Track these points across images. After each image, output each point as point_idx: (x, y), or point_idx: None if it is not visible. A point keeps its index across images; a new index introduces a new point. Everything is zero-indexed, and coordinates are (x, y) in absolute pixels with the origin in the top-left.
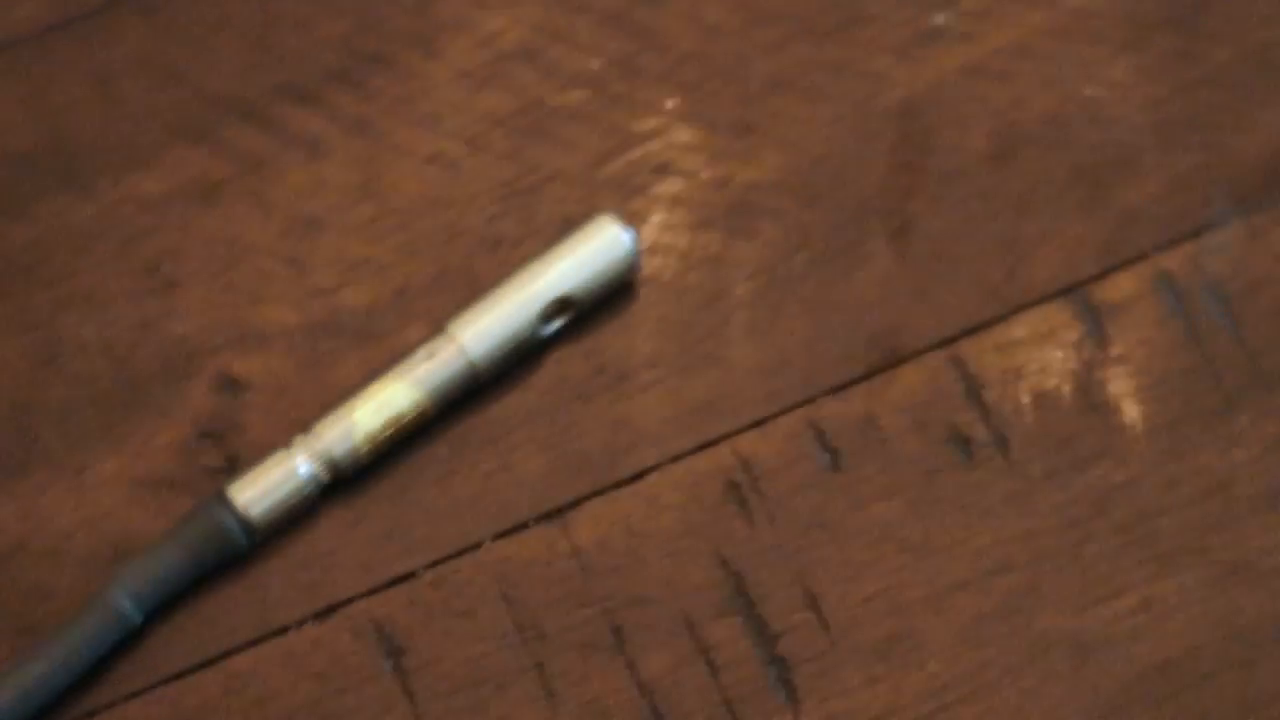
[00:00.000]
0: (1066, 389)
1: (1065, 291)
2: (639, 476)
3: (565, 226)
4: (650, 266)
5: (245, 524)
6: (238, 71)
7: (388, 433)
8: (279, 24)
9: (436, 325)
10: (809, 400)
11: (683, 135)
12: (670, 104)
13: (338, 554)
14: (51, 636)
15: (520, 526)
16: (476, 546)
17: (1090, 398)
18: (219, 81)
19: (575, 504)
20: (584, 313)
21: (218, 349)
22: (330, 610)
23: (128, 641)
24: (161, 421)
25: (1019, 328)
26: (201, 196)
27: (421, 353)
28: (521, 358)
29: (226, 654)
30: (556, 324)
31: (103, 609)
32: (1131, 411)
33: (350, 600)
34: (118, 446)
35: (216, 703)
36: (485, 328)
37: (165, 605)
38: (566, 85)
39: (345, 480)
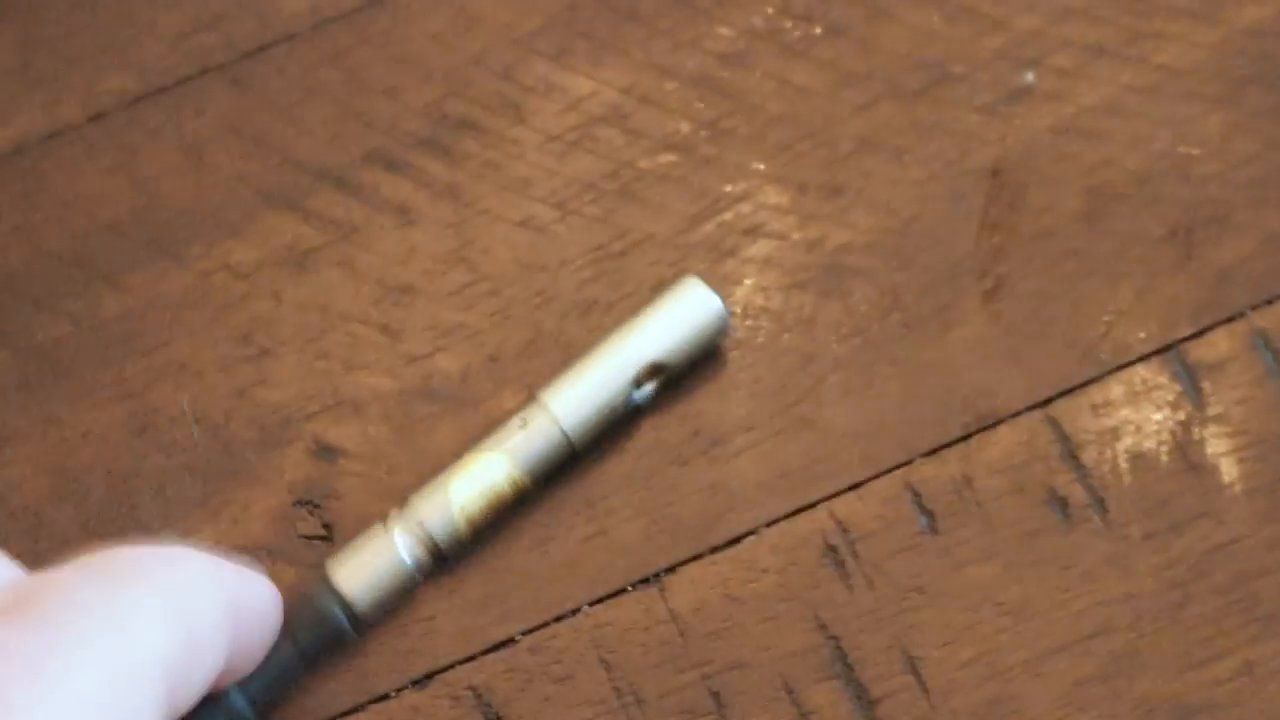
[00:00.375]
0: (1164, 449)
1: (1161, 351)
2: (736, 541)
3: (657, 290)
4: (743, 329)
5: (354, 618)
6: (327, 139)
7: (488, 514)
8: (367, 91)
9: (530, 391)
10: (905, 463)
11: (773, 197)
12: (760, 166)
13: (436, 621)
14: None
15: (618, 592)
16: (574, 612)
17: (1188, 458)
18: (308, 149)
19: (672, 569)
20: (675, 377)
21: (312, 416)
22: (429, 677)
23: None
24: (258, 490)
25: (1115, 388)
26: (293, 264)
27: (515, 422)
28: (614, 424)
29: None
30: (649, 389)
31: (223, 711)
32: (1230, 471)
33: (449, 667)
34: (215, 515)
35: None
36: (577, 397)
37: (277, 700)
38: (656, 149)
39: (445, 561)
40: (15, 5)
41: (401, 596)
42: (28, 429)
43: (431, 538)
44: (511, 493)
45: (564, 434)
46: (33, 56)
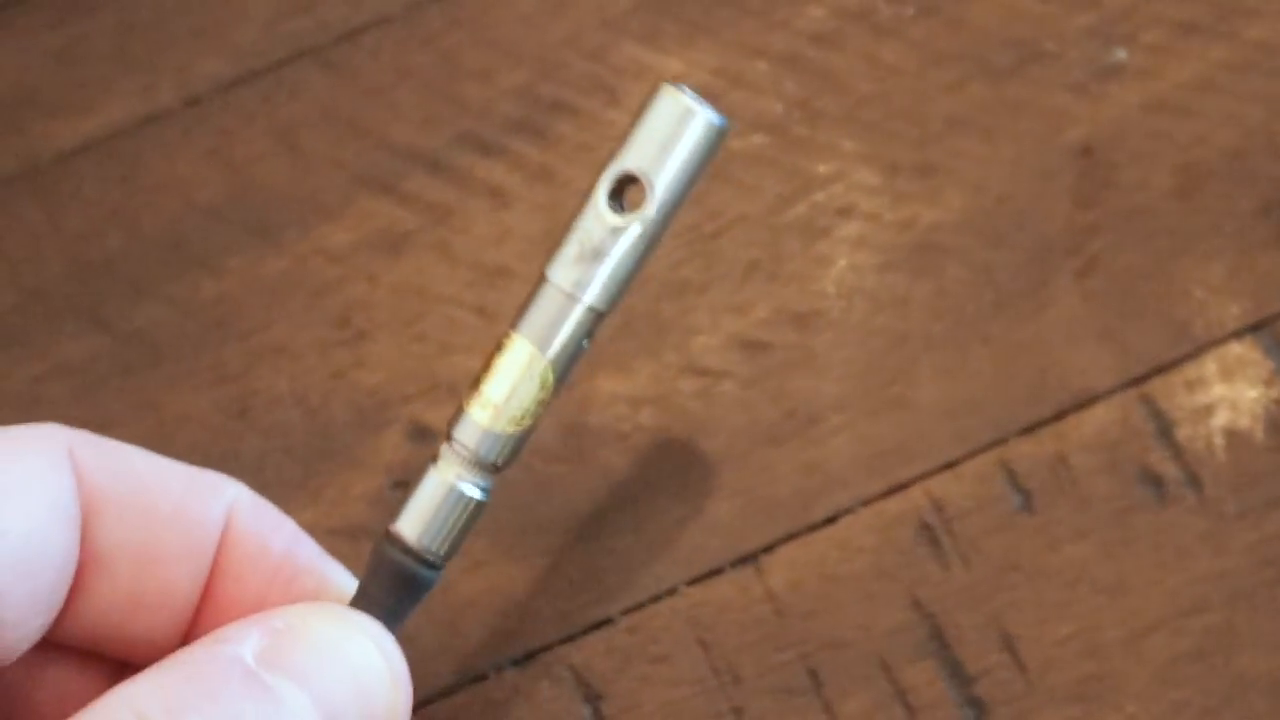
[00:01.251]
0: (1259, 426)
1: (1255, 327)
2: (831, 520)
3: (750, 270)
4: (837, 309)
5: (426, 561)
6: (420, 122)
7: (527, 402)
8: (459, 75)
9: (624, 371)
10: (999, 441)
11: (864, 177)
12: (851, 146)
13: (534, 601)
14: None
15: (714, 572)
16: (672, 592)
17: None
18: (401, 133)
19: (769, 548)
20: (671, 199)
21: (409, 399)
22: (528, 657)
23: None
24: (355, 472)
25: (1209, 365)
26: (388, 247)
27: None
28: (622, 266)
29: (427, 701)
30: (642, 214)
31: None
32: None
33: (548, 647)
34: (313, 497)
35: None
36: (563, 246)
37: None
38: (747, 129)
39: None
40: None
41: (471, 523)
42: (126, 413)
43: (479, 455)
44: (541, 374)
45: (566, 291)
46: (127, 42)
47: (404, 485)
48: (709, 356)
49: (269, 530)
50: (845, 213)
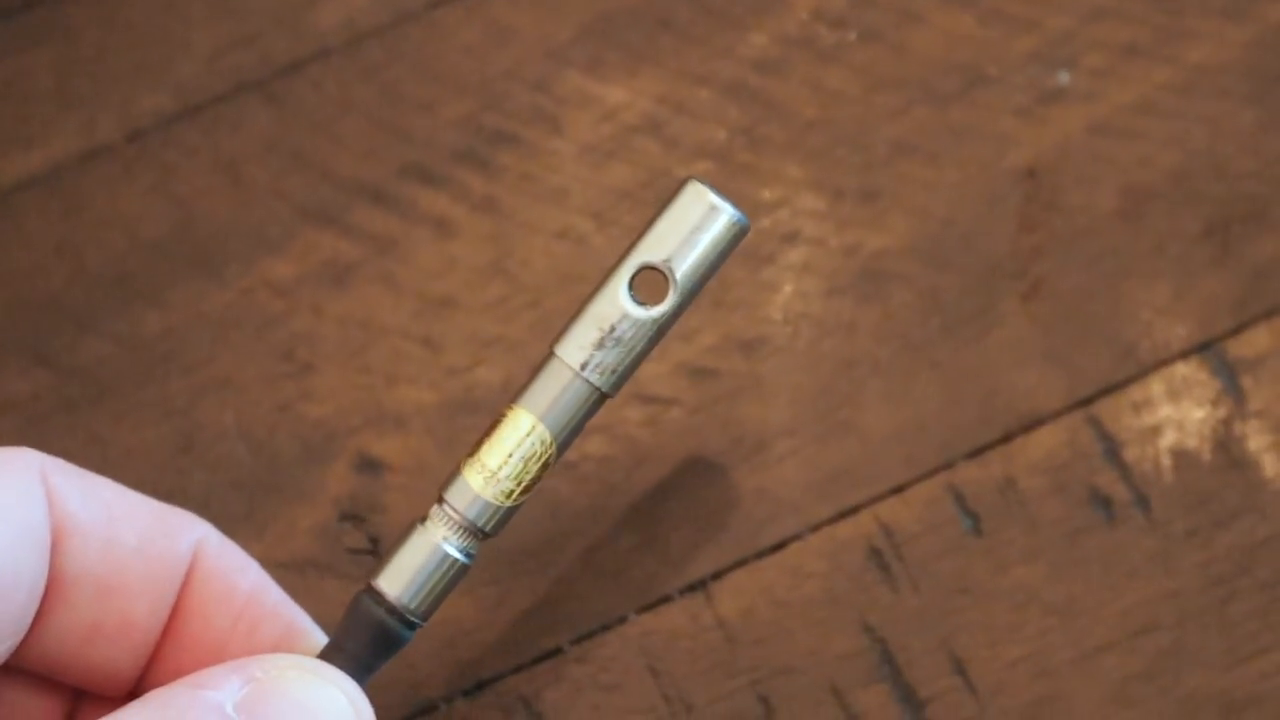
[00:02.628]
0: (1206, 446)
1: (1200, 348)
2: (781, 546)
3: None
4: (783, 335)
5: (404, 619)
6: (363, 154)
7: (522, 478)
8: (402, 106)
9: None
10: (947, 465)
11: (810, 203)
12: (796, 172)
13: (483, 632)
14: None
15: (664, 599)
16: (621, 620)
17: (1230, 454)
18: (345, 165)
19: (718, 575)
20: (689, 291)
21: (356, 430)
22: (479, 688)
23: None
24: (303, 505)
25: (1155, 386)
26: (333, 279)
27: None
28: (635, 352)
29: None
30: (663, 307)
31: None
32: (1273, 466)
33: (498, 678)
34: (260, 531)
35: None
36: (575, 326)
37: None
38: (691, 156)
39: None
40: (51, 27)
41: (452, 586)
42: (72, 449)
43: (468, 519)
44: (541, 449)
45: (568, 367)
46: (69, 77)
47: (352, 518)
48: (657, 384)
49: (235, 571)
50: (791, 239)
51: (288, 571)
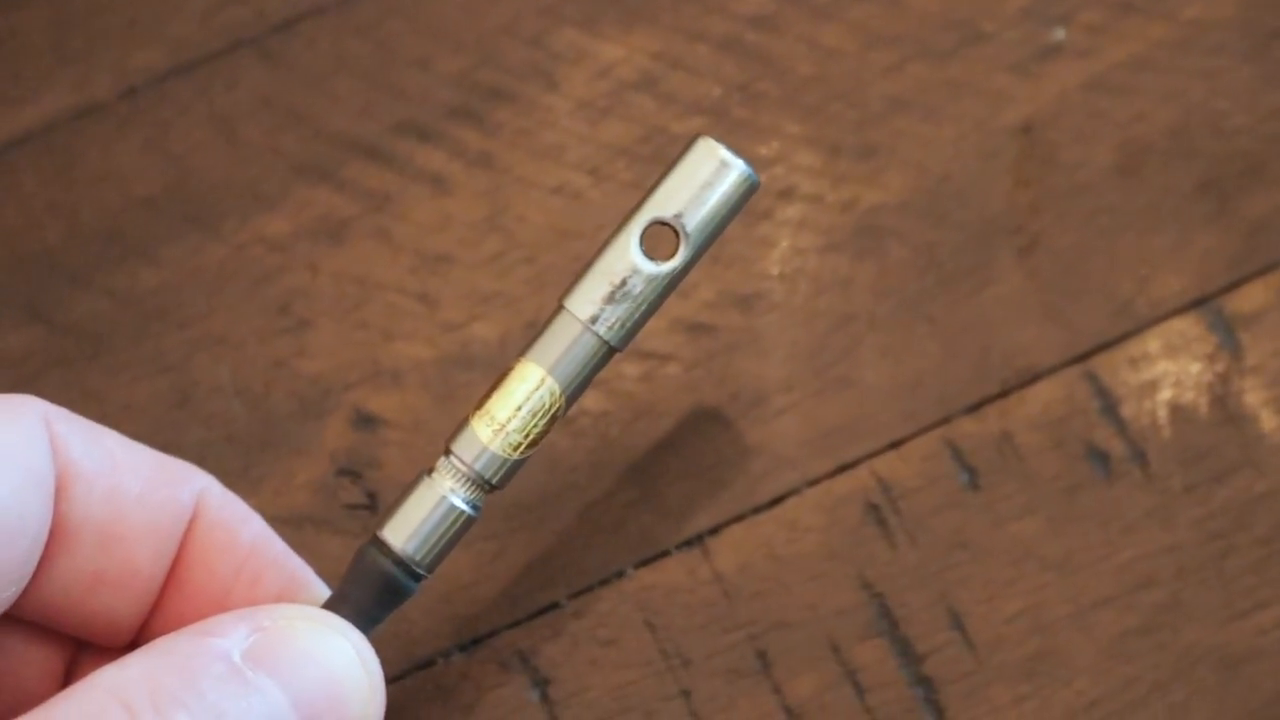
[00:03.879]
0: (1203, 401)
1: (1197, 304)
2: (778, 501)
3: None
4: (780, 291)
5: (410, 570)
6: (358, 110)
7: (530, 431)
8: (397, 62)
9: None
10: (944, 420)
11: (806, 159)
12: (792, 128)
13: (481, 587)
14: None
15: (661, 554)
16: (619, 575)
17: (1227, 409)
18: (340, 121)
19: (715, 530)
20: (700, 246)
21: (352, 386)
22: (476, 643)
23: None
24: (299, 460)
25: (1152, 341)
26: (329, 235)
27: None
28: (645, 307)
29: None
30: (674, 262)
31: None
32: (1269, 421)
33: (495, 632)
34: (256, 486)
35: None
36: (585, 280)
37: None
38: (687, 112)
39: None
40: None
41: (458, 538)
42: (67, 405)
43: (475, 470)
44: (550, 402)
45: (584, 324)
46: (63, 34)
47: (349, 473)
48: (653, 340)
49: (238, 521)
50: (787, 195)
51: (284, 527)
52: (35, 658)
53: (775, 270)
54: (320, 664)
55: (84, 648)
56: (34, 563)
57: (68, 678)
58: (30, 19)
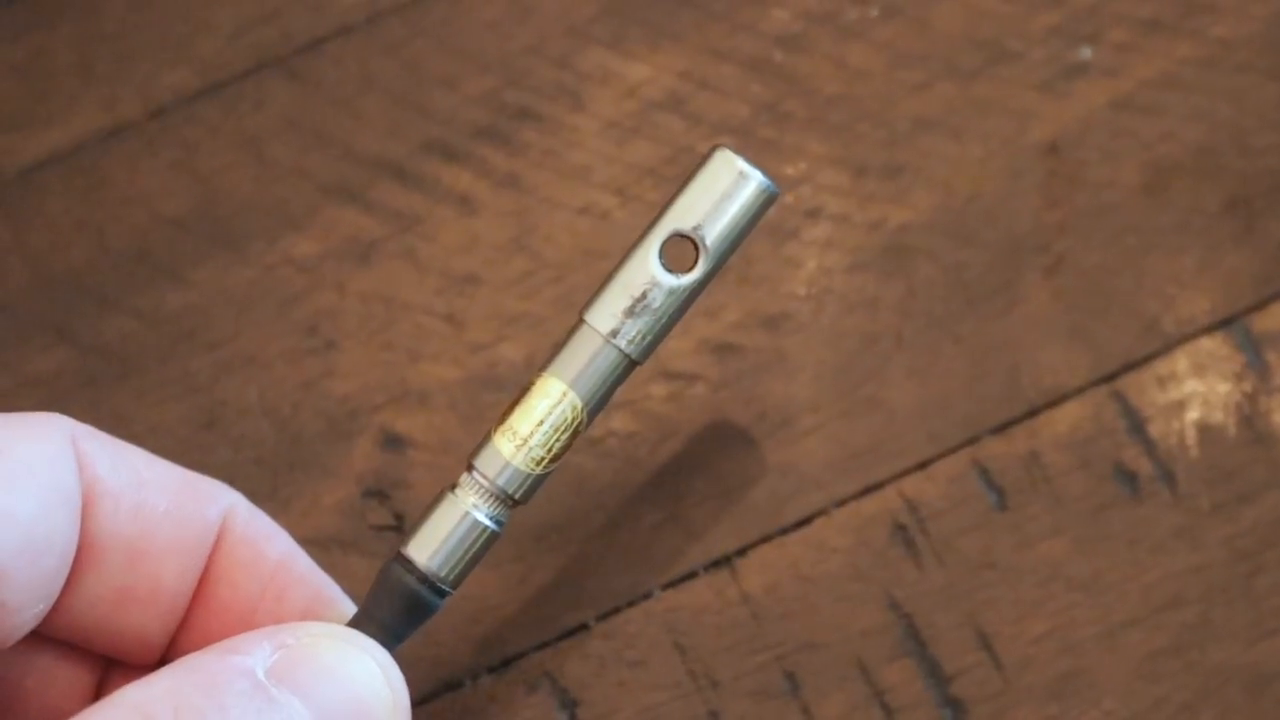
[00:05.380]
0: (1231, 421)
1: (1225, 323)
2: (806, 522)
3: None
4: (807, 310)
5: (434, 586)
6: (385, 131)
7: (553, 446)
8: (424, 82)
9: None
10: (972, 440)
11: (833, 178)
12: (819, 148)
13: (509, 608)
14: None
15: (689, 575)
16: (647, 596)
17: (1255, 429)
18: (367, 142)
19: (743, 551)
20: (719, 258)
21: (379, 407)
22: (505, 664)
23: None
24: (327, 481)
25: (1180, 361)
26: (356, 256)
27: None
28: (665, 320)
29: None
30: (694, 274)
31: None
32: None
33: (524, 654)
34: (284, 507)
35: None
36: (605, 293)
37: None
38: (714, 132)
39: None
40: (73, 4)
41: (482, 554)
42: (95, 426)
43: (498, 486)
44: (572, 416)
45: (604, 338)
46: (91, 55)
47: (376, 494)
48: (680, 360)
49: (264, 539)
50: (814, 214)
51: (312, 548)
52: (65, 676)
53: (802, 290)
54: (344, 681)
55: (113, 666)
56: (62, 580)
57: (97, 696)
58: (58, 39)
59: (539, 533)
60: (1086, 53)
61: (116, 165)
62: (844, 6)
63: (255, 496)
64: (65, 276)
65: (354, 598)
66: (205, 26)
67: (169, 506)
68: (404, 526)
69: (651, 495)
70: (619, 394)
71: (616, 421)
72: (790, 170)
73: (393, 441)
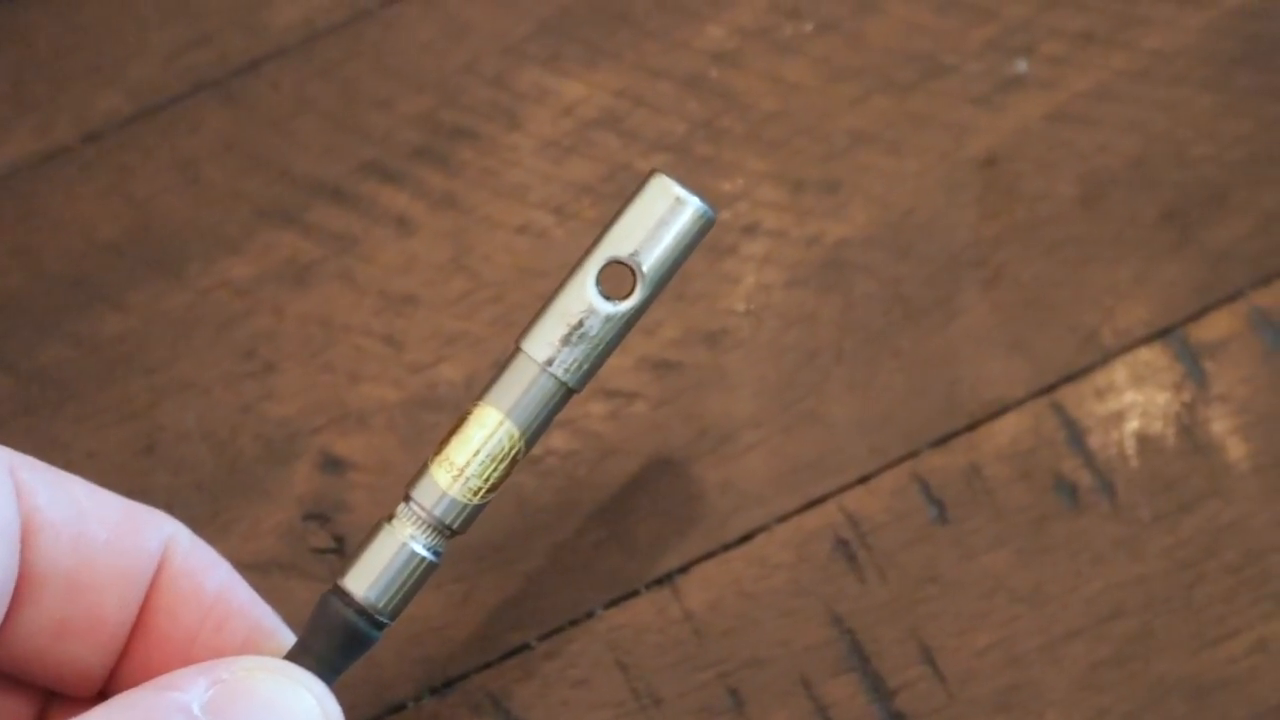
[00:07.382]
0: (1170, 431)
1: (1162, 333)
2: (748, 538)
3: None
4: (746, 326)
5: (372, 619)
6: (321, 153)
7: (490, 476)
8: (359, 104)
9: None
10: (912, 454)
11: (770, 194)
12: (756, 164)
13: (451, 629)
14: None
15: (631, 594)
16: (589, 615)
17: (1194, 438)
18: (303, 163)
19: (685, 569)
20: (657, 284)
21: (319, 429)
22: (447, 685)
23: None
24: (267, 505)
25: (1118, 372)
26: (293, 278)
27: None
28: (603, 347)
29: None
30: (631, 301)
31: None
32: (1236, 450)
33: (466, 675)
34: (225, 532)
35: None
36: (542, 322)
37: None
38: (651, 150)
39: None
40: (5, 28)
41: (420, 585)
42: (33, 453)
43: (435, 517)
44: (509, 446)
45: (541, 367)
46: (25, 79)
47: (317, 517)
48: (620, 378)
49: (204, 569)
50: (751, 230)
51: (252, 572)
52: (4, 708)
53: (741, 306)
54: (281, 715)
55: (53, 698)
56: (1, 612)
57: None
58: None
59: (480, 552)
60: (1022, 66)
61: (51, 190)
62: (779, 22)
63: (195, 521)
64: (1, 301)
65: (295, 621)
66: (140, 50)
67: (109, 537)
68: (345, 549)
69: (592, 514)
70: (558, 415)
71: (556, 440)
72: (727, 186)
73: (332, 464)
